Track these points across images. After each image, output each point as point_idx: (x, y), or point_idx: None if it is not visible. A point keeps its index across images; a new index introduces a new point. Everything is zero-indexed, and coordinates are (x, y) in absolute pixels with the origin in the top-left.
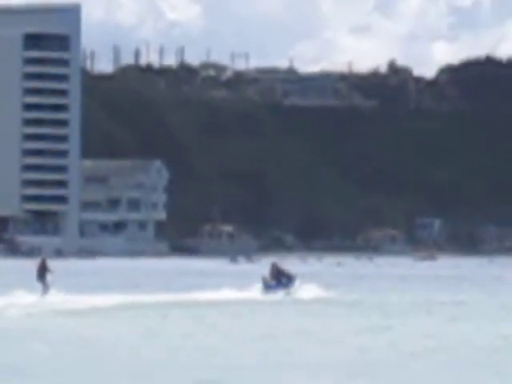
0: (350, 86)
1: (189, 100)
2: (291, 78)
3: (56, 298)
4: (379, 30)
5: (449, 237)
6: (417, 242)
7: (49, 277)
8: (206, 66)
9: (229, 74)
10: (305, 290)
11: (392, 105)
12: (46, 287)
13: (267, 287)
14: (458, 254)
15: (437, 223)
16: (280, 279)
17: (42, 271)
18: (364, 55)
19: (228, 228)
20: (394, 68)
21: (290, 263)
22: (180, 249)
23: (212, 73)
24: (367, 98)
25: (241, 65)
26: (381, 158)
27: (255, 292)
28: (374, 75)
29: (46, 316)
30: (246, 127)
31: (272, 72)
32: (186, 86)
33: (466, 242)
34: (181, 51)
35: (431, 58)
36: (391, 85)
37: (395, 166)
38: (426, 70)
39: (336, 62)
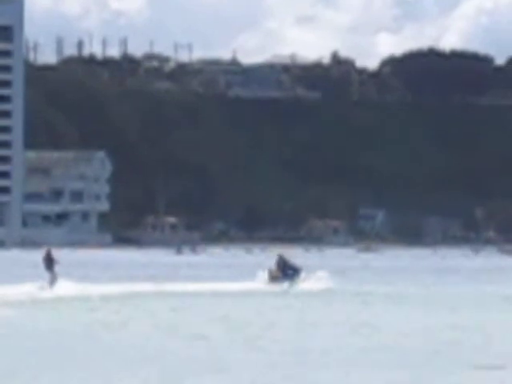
0: (293, 77)
1: (132, 91)
2: (234, 69)
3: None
4: (323, 21)
5: (392, 228)
6: (360, 233)
7: (56, 267)
8: (149, 57)
9: (172, 65)
10: (313, 281)
11: (335, 96)
12: (53, 277)
13: (273, 279)
14: (401, 245)
15: (380, 214)
16: (286, 271)
17: (49, 262)
18: (308, 46)
19: (171, 219)
20: (337, 59)
21: (234, 254)
22: (123, 240)
23: (155, 64)
24: (310, 90)
25: (184, 56)
26: (324, 149)
27: (260, 283)
28: (317, 66)
29: None
30: (189, 119)
31: (215, 63)
32: (130, 78)
33: (410, 233)
34: (124, 42)
35: (375, 50)
36: (334, 76)
37: (338, 157)
38: (370, 61)
39: (280, 53)
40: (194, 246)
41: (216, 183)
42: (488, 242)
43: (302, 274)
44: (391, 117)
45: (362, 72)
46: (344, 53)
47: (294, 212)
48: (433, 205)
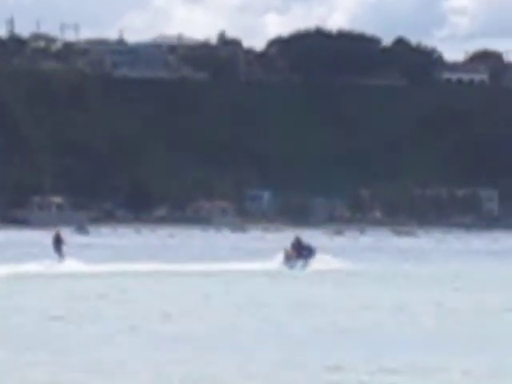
0: (179, 57)
1: (19, 71)
2: (121, 49)
3: None
4: (211, 0)
5: (278, 209)
6: (247, 214)
7: (64, 247)
8: (35, 37)
9: (59, 45)
10: (320, 262)
11: (222, 76)
12: (61, 256)
13: (288, 258)
14: (288, 226)
15: (266, 195)
16: (301, 251)
17: (58, 243)
18: (195, 26)
19: (57, 199)
20: (224, 40)
21: (123, 235)
22: (9, 220)
23: (42, 44)
24: (197, 70)
25: (71, 36)
26: (211, 129)
27: (276, 263)
28: (204, 47)
29: None
30: (75, 99)
31: (102, 43)
32: (16, 58)
33: (296, 214)
34: (11, 22)
35: (263, 30)
36: (221, 56)
37: (225, 138)
38: (257, 41)
39: (167, 33)
40: (82, 226)
41: (103, 163)
42: (374, 222)
43: (317, 255)
44: (278, 97)
45: (248, 52)
46: (232, 33)
47: (181, 193)
48: (319, 185)
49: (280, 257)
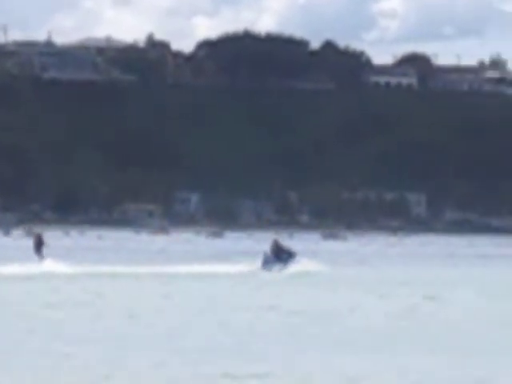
0: (108, 59)
1: None
2: (49, 51)
3: None
4: (140, 2)
5: (206, 211)
6: (175, 217)
7: (44, 249)
8: None
9: None
10: (298, 264)
11: (150, 79)
12: (41, 257)
13: (266, 262)
14: (216, 229)
15: (194, 197)
16: (280, 255)
17: (39, 245)
18: (124, 28)
19: None
20: (152, 42)
21: (51, 237)
22: None
23: None
24: (125, 72)
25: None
26: (139, 132)
27: (253, 266)
28: (133, 49)
29: None
30: (4, 101)
31: (30, 45)
32: None
33: (224, 217)
34: None
35: (190, 33)
36: (149, 59)
37: (153, 140)
38: (186, 44)
39: (96, 35)
40: (7, 228)
41: (31, 165)
42: (302, 225)
43: (296, 258)
44: (206, 100)
45: (177, 55)
46: (160, 36)
47: (109, 195)
48: (246, 188)
49: (259, 260)
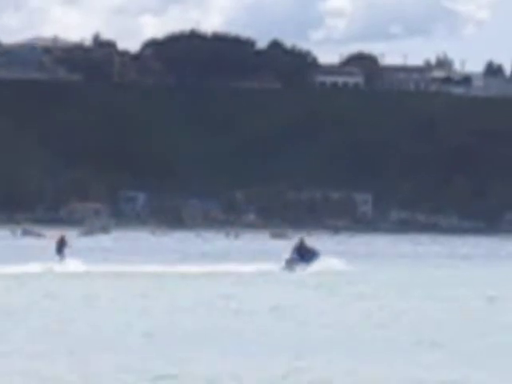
0: (54, 58)
1: None
2: None
3: None
4: (87, 2)
5: (153, 211)
6: (121, 216)
7: (66, 250)
8: None
9: None
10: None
11: (97, 78)
12: (63, 257)
13: (289, 261)
14: (163, 229)
15: (141, 197)
16: (303, 254)
17: (61, 246)
18: (70, 28)
19: None
20: (98, 41)
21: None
22: None
23: None
24: (72, 71)
25: None
26: (86, 130)
27: (278, 265)
28: (79, 48)
29: None
30: None
31: None
32: None
33: (171, 216)
34: None
35: (137, 32)
36: (96, 58)
37: (100, 139)
38: (132, 43)
39: (42, 34)
40: None
41: None
42: (248, 225)
43: (320, 258)
44: (152, 100)
45: (123, 54)
46: (107, 35)
47: (55, 194)
48: (193, 187)
49: (282, 260)
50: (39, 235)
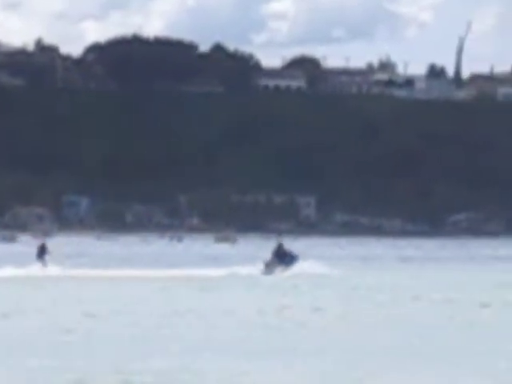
0: None
1: None
2: None
3: None
4: (28, 6)
5: (96, 215)
6: (64, 221)
7: (47, 256)
8: None
9: None
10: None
11: (39, 83)
12: (44, 264)
13: (268, 264)
14: (106, 233)
15: (84, 201)
16: (283, 258)
17: (41, 252)
18: (12, 32)
19: None
20: (41, 46)
21: None
22: None
23: None
24: (14, 76)
25: None
26: (28, 135)
27: (256, 269)
28: (21, 53)
29: None
30: None
31: None
32: None
33: (115, 220)
34: None
35: (80, 37)
36: (38, 63)
37: (43, 144)
38: (75, 48)
39: None
40: None
41: None
42: (192, 229)
43: (299, 262)
44: (95, 104)
45: (66, 59)
46: (49, 40)
47: None
48: (136, 192)
49: (260, 264)
50: None
